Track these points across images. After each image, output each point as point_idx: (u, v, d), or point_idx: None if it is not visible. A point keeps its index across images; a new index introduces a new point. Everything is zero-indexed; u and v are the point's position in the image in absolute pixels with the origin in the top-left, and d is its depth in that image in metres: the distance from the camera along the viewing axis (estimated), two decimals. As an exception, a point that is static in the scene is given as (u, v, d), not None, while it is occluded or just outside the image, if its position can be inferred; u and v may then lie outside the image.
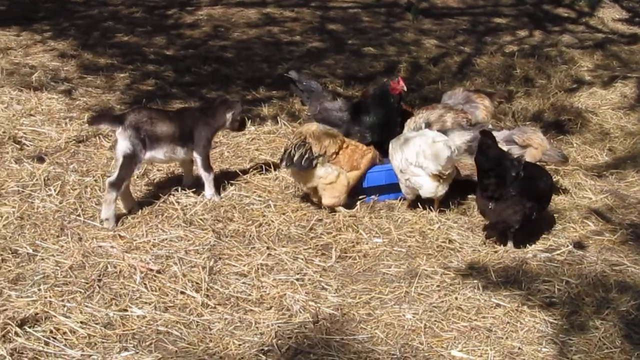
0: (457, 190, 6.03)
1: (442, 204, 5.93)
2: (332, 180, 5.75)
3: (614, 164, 6.98)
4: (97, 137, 6.75)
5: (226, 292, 4.79)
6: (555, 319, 4.66)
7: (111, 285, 4.77)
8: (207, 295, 4.73)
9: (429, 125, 6.24)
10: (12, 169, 6.09)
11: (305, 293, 4.83)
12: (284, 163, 5.73)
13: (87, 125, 6.73)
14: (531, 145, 6.10)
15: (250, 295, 4.78)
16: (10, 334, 4.22)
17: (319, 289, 4.91)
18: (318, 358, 4.26)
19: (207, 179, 5.88)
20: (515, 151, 5.94)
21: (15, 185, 5.84)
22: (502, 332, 4.54)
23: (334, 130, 6.03)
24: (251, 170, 6.40)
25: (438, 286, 4.97)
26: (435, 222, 5.76)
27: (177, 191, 5.91)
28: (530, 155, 5.98)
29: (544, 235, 5.65)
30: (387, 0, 12.00)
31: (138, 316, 4.51)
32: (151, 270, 4.91)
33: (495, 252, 5.41)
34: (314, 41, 10.08)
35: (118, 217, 5.51)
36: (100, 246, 5.17)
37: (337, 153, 5.79)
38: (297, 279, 4.96)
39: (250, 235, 5.45)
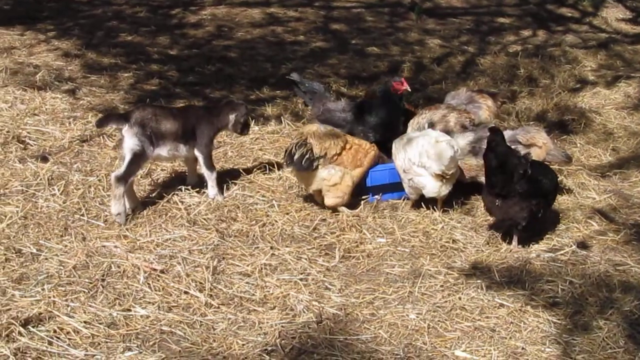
0: (460, 190, 6.03)
1: (446, 203, 5.93)
2: (336, 182, 5.74)
3: (617, 163, 6.96)
4: (101, 137, 6.75)
5: (230, 292, 4.79)
6: (558, 319, 4.65)
7: (115, 285, 4.78)
8: (211, 295, 4.74)
9: (432, 125, 6.24)
10: (16, 169, 6.10)
11: (309, 293, 4.83)
12: (285, 162, 5.73)
13: (94, 126, 6.71)
14: (535, 144, 6.10)
15: (253, 295, 4.78)
16: (14, 334, 4.23)
17: (322, 288, 4.91)
18: (321, 358, 4.27)
19: (210, 178, 5.89)
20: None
21: (19, 185, 5.85)
22: (506, 332, 4.54)
23: (337, 130, 6.03)
24: (255, 170, 6.40)
25: (442, 286, 4.97)
26: (439, 222, 5.76)
27: (181, 191, 5.92)
28: (534, 155, 5.96)
29: (547, 235, 5.65)
30: (391, 0, 11.98)
31: (142, 316, 4.51)
32: (155, 270, 4.92)
33: (499, 252, 5.41)
34: (317, 41, 10.07)
35: (122, 217, 5.53)
36: (104, 246, 5.18)
37: (339, 154, 5.77)
38: (301, 279, 4.96)
39: (254, 235, 5.45)
